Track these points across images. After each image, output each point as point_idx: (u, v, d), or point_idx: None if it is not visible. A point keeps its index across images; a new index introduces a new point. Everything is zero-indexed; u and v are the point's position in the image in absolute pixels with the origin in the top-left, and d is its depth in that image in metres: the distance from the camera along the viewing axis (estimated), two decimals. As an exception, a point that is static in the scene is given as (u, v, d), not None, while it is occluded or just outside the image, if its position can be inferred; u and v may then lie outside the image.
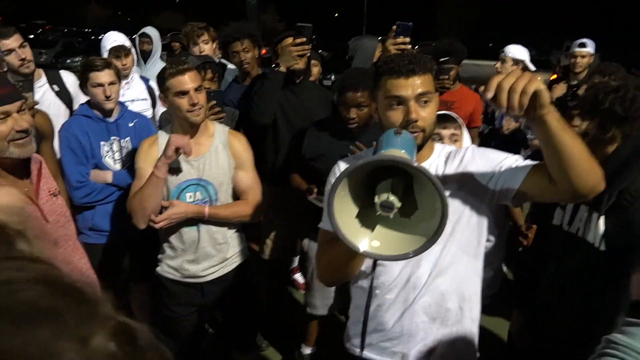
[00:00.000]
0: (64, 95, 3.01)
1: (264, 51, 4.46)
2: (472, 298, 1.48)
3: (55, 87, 2.97)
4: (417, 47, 3.13)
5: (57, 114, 2.79)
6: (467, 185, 1.40)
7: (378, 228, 1.05)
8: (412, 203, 1.05)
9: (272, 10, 35.53)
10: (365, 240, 1.05)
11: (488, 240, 1.52)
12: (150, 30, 4.20)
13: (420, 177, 0.99)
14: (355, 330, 1.56)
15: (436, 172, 1.43)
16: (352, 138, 2.36)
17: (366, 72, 2.43)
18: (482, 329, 1.59)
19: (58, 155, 2.51)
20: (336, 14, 51.25)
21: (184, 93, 2.08)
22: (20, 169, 1.63)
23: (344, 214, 1.03)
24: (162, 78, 2.12)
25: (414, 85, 1.32)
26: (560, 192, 1.25)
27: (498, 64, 3.82)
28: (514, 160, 1.36)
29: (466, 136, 2.12)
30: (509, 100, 1.07)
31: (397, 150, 1.08)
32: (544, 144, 1.19)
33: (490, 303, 1.80)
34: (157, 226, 2.11)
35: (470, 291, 1.47)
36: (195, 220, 2.20)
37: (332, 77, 12.20)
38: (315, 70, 3.46)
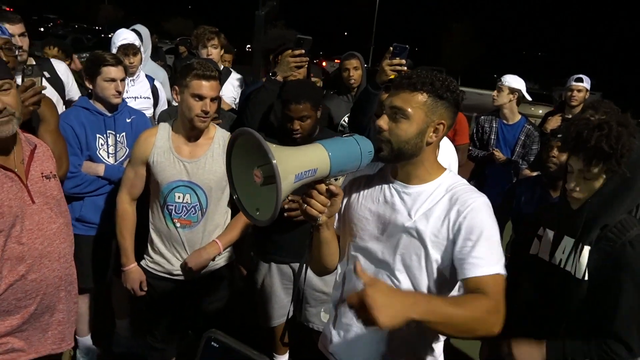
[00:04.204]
0: (56, 82, 3.05)
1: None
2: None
3: (47, 74, 2.98)
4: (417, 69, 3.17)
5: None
6: (442, 236, 1.37)
7: (261, 194, 1.16)
8: None
9: (282, 24, 35.89)
10: (248, 196, 1.19)
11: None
12: (140, 28, 4.19)
13: None
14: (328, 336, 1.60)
15: (428, 199, 1.40)
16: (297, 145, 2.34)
17: (308, 83, 2.43)
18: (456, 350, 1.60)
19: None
20: (345, 33, 51.84)
21: (201, 98, 2.12)
22: (8, 149, 1.64)
23: (242, 169, 1.18)
24: (185, 74, 2.14)
25: (394, 97, 1.39)
26: None
27: (495, 93, 3.86)
28: (474, 250, 1.29)
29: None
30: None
31: (318, 145, 1.20)
32: None
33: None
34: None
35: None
36: (184, 222, 2.23)
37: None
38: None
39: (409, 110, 1.35)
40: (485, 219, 1.33)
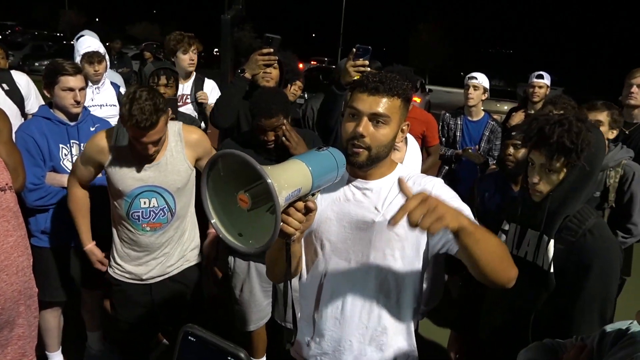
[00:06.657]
0: (15, 94, 2.97)
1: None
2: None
3: (5, 86, 2.91)
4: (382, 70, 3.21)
5: (8, 113, 2.73)
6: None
7: (244, 219, 1.08)
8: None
9: (250, 28, 35.77)
10: (225, 223, 1.09)
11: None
12: (89, 34, 4.00)
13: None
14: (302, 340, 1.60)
15: (390, 191, 1.43)
16: (271, 154, 2.38)
17: (275, 92, 2.47)
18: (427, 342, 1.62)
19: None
20: (313, 35, 51.97)
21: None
22: None
23: (220, 193, 1.07)
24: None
25: (373, 102, 1.35)
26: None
27: (471, 91, 3.93)
28: None
29: (406, 148, 2.19)
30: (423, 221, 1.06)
31: (299, 162, 1.13)
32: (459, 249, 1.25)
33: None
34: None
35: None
36: (154, 226, 2.21)
37: (305, 95, 12.34)
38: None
39: (390, 116, 1.36)
40: (451, 194, 1.41)
